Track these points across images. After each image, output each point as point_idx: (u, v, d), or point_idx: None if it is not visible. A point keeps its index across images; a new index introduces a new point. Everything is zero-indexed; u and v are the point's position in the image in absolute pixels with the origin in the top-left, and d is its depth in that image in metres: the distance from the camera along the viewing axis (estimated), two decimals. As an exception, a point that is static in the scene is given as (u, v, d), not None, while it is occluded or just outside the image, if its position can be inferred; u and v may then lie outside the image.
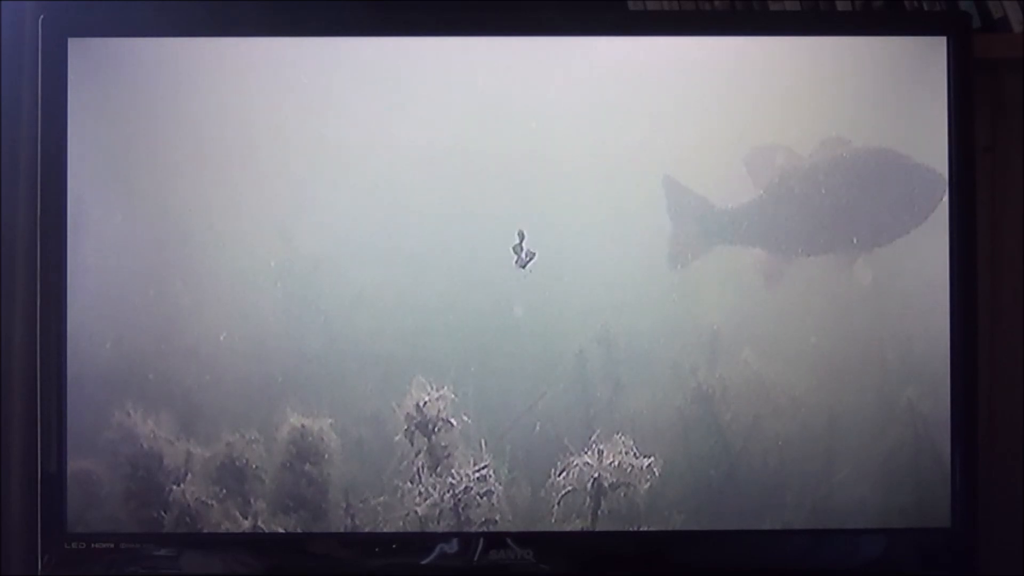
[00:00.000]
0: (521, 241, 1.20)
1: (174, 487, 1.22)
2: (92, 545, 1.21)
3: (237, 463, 1.22)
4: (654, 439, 1.23)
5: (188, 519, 1.21)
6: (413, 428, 1.22)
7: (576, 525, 1.22)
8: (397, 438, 1.22)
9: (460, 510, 1.21)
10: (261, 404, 1.23)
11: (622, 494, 1.21)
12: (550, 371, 1.23)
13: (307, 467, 1.22)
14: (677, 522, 1.22)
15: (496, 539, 1.21)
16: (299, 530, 1.22)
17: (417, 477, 1.22)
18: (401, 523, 1.22)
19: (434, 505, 1.21)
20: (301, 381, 1.23)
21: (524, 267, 1.20)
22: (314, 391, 1.23)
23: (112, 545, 1.21)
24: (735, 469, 1.23)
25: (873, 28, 1.26)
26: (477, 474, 1.22)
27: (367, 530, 1.22)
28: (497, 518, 1.22)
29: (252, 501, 1.22)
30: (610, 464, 1.21)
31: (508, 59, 1.24)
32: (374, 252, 1.24)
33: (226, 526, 1.22)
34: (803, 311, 1.24)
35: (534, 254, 1.20)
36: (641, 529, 1.22)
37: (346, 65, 1.24)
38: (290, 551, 1.22)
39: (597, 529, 1.22)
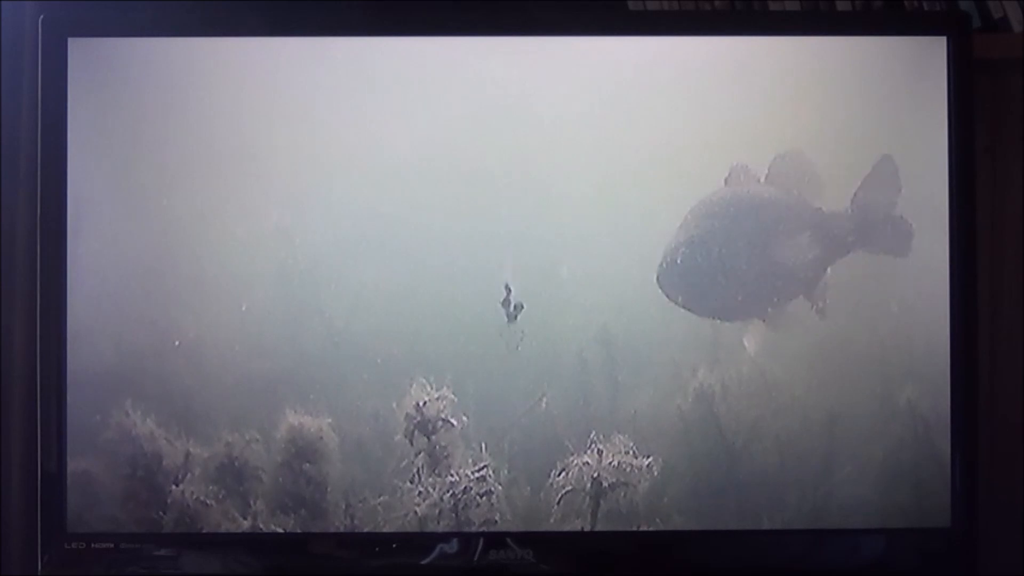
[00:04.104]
0: (508, 295, 1.20)
1: (173, 487, 1.22)
2: (92, 545, 1.21)
3: (236, 463, 1.22)
4: (654, 439, 1.23)
5: (188, 519, 1.21)
6: (413, 428, 1.22)
7: (576, 525, 1.22)
8: (397, 438, 1.22)
9: (460, 510, 1.21)
10: (261, 404, 1.23)
11: (622, 494, 1.21)
12: (550, 371, 1.23)
13: (306, 467, 1.22)
14: (677, 522, 1.22)
15: (496, 539, 1.21)
16: (298, 530, 1.22)
17: (417, 477, 1.22)
18: (401, 523, 1.22)
19: (434, 505, 1.21)
20: (301, 381, 1.23)
21: (515, 319, 1.20)
22: (314, 391, 1.22)
23: (112, 545, 1.21)
24: (735, 469, 1.23)
25: (873, 28, 1.26)
26: (477, 474, 1.22)
27: (367, 530, 1.22)
28: (497, 518, 1.21)
29: (251, 501, 1.22)
30: (610, 464, 1.21)
31: (508, 59, 1.24)
32: (374, 252, 1.24)
33: (225, 526, 1.22)
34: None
35: (522, 305, 1.20)
36: (641, 529, 1.22)
37: (347, 65, 1.24)
38: (290, 551, 1.22)
39: (597, 529, 1.22)
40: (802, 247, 1.24)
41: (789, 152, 1.23)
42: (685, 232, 1.22)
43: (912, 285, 1.24)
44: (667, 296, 1.22)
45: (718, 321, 1.24)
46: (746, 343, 1.23)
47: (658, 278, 1.22)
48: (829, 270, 1.25)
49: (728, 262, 1.22)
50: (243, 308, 1.23)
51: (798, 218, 1.25)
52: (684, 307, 1.22)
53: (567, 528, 1.22)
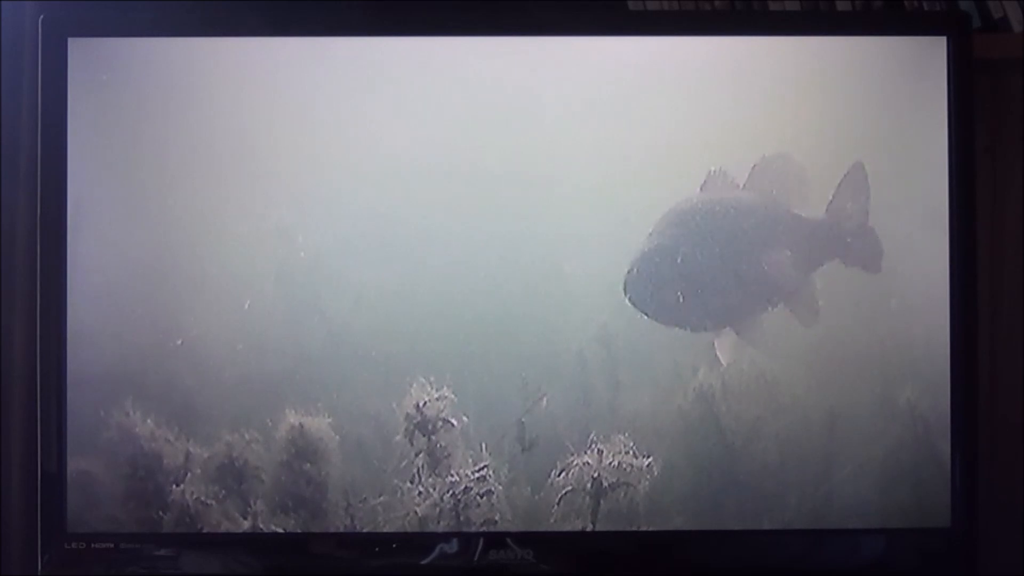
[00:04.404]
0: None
1: (174, 487, 1.22)
2: (92, 545, 1.21)
3: (236, 463, 1.22)
4: (654, 439, 1.23)
5: (188, 519, 1.21)
6: (413, 428, 1.22)
7: (576, 525, 1.22)
8: (397, 438, 1.22)
9: (460, 510, 1.21)
10: (261, 404, 1.23)
11: (622, 494, 1.21)
12: (550, 371, 1.23)
13: (307, 467, 1.22)
14: (677, 522, 1.22)
15: (496, 539, 1.21)
16: (298, 530, 1.22)
17: (417, 477, 1.22)
18: (401, 523, 1.22)
19: (434, 505, 1.21)
20: (301, 381, 1.23)
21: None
22: (314, 391, 1.22)
23: (112, 545, 1.21)
24: (735, 469, 1.23)
25: (873, 28, 1.26)
26: (477, 474, 1.22)
27: (367, 530, 1.22)
28: (497, 518, 1.21)
29: (251, 501, 1.22)
30: (610, 464, 1.21)
31: (508, 59, 1.24)
32: (374, 252, 1.24)
33: (226, 526, 1.22)
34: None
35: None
36: (641, 529, 1.22)
37: (346, 65, 1.24)
38: (290, 551, 1.22)
39: (597, 529, 1.22)
40: (779, 255, 1.24)
41: (775, 156, 1.23)
42: (654, 240, 1.22)
43: (912, 285, 1.24)
44: (634, 306, 1.21)
45: (688, 332, 1.23)
46: (719, 354, 1.23)
47: (625, 287, 1.22)
48: (815, 277, 1.24)
49: (699, 271, 1.22)
50: (244, 308, 1.23)
51: (777, 225, 1.24)
52: (652, 318, 1.22)
53: (567, 528, 1.22)
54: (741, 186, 1.24)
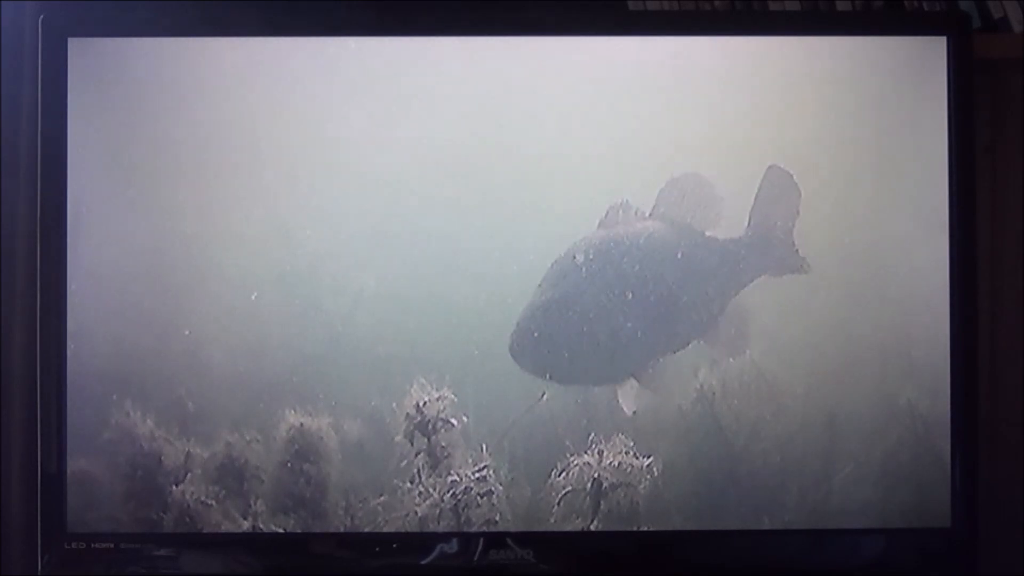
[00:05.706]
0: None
1: (174, 487, 1.22)
2: (92, 545, 1.21)
3: (236, 463, 1.22)
4: (654, 439, 1.23)
5: (188, 519, 1.21)
6: (413, 428, 1.22)
7: (576, 525, 1.22)
8: (397, 438, 1.22)
9: (460, 510, 1.21)
10: (261, 404, 1.23)
11: (622, 494, 1.21)
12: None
13: (307, 467, 1.22)
14: (677, 522, 1.22)
15: (496, 539, 1.21)
16: (298, 530, 1.22)
17: (417, 477, 1.22)
18: (401, 523, 1.22)
19: (434, 505, 1.21)
20: (301, 381, 1.23)
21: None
22: (314, 391, 1.22)
23: (112, 545, 1.21)
24: (735, 469, 1.23)
25: (873, 28, 1.26)
26: (477, 474, 1.22)
27: (367, 530, 1.22)
28: (497, 518, 1.21)
29: (252, 501, 1.22)
30: (610, 464, 1.21)
31: (508, 59, 1.24)
32: (374, 252, 1.24)
33: (226, 526, 1.22)
34: (804, 311, 1.24)
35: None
36: (641, 529, 1.22)
37: (346, 65, 1.24)
38: (290, 551, 1.22)
39: (597, 529, 1.22)
40: (692, 289, 1.23)
41: (683, 175, 1.21)
42: (540, 295, 1.19)
43: (912, 285, 1.24)
44: (523, 369, 1.19)
45: (592, 387, 1.21)
46: (622, 403, 1.20)
47: (511, 348, 1.20)
48: (741, 300, 1.23)
49: (592, 322, 1.20)
50: (244, 307, 1.23)
51: (693, 252, 1.23)
52: (545, 378, 1.20)
53: (567, 528, 1.22)
54: (647, 214, 1.22)
